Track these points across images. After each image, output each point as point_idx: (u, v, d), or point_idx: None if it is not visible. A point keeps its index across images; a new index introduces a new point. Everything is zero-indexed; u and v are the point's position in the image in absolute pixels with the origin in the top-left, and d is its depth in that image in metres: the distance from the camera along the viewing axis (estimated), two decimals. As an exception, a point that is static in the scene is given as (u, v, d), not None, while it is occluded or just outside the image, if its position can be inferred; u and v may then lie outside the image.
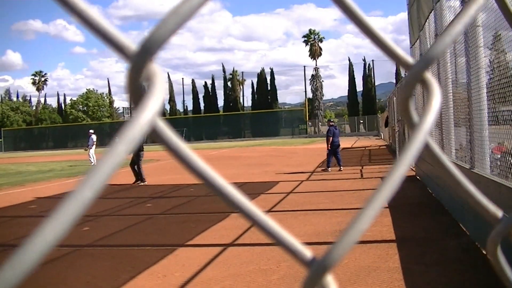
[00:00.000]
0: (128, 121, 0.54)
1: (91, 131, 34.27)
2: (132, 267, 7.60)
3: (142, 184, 19.95)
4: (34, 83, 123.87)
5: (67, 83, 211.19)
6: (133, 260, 8.15)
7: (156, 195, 16.55)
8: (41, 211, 14.11)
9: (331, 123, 23.19)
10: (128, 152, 0.52)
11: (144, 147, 20.25)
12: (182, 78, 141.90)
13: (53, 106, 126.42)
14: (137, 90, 0.58)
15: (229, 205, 0.61)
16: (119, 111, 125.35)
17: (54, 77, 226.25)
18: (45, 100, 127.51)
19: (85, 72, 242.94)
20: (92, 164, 32.28)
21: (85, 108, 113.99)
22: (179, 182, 19.48)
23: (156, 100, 0.55)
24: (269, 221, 0.60)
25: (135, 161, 20.29)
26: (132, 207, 14.37)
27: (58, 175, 26.54)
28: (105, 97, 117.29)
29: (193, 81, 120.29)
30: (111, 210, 13.64)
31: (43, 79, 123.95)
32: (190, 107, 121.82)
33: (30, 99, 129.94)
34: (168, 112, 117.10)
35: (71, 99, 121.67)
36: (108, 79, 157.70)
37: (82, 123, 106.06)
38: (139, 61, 0.56)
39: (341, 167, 22.05)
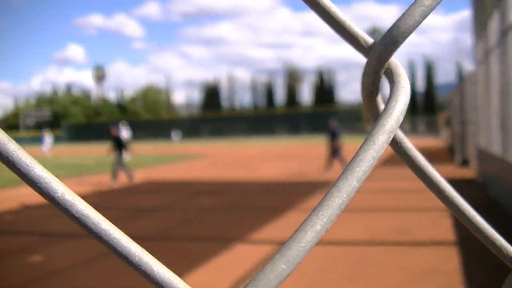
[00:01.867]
0: (383, 113, 0.53)
1: (122, 125, 34.71)
2: (191, 262, 7.67)
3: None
4: (94, 77, 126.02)
5: (127, 77, 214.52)
6: (191, 255, 8.23)
7: (214, 190, 16.63)
8: (99, 203, 14.38)
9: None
10: (388, 143, 0.52)
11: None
12: (242, 74, 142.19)
13: (113, 100, 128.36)
14: (376, 82, 0.58)
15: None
16: (178, 106, 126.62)
17: (114, 71, 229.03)
18: (105, 94, 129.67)
19: (144, 66, 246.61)
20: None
21: (144, 102, 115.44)
22: (237, 178, 19.62)
23: (405, 91, 0.55)
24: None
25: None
26: (189, 201, 14.50)
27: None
28: (165, 92, 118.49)
29: (253, 77, 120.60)
30: (167, 203, 13.82)
31: (103, 73, 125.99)
32: (249, 103, 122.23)
33: (90, 92, 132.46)
34: (228, 107, 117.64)
35: (130, 94, 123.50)
36: (168, 74, 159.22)
37: (140, 117, 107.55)
38: (383, 53, 0.56)
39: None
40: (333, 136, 20.95)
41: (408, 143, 0.63)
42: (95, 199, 15.21)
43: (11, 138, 0.47)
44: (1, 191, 18.19)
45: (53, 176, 0.52)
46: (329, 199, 0.50)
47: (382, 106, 0.61)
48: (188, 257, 7.99)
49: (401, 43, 0.55)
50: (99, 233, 0.48)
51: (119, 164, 18.13)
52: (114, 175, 18.18)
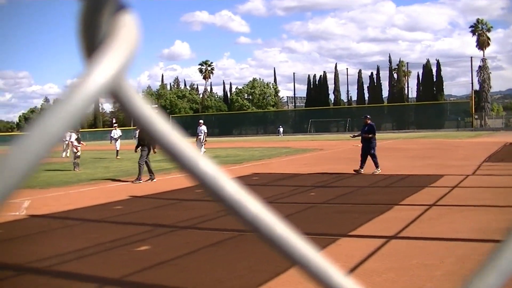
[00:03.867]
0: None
1: (201, 121, 34.97)
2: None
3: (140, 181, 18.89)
4: (201, 71, 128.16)
5: (232, 72, 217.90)
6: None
7: (319, 184, 16.61)
8: (204, 196, 14.64)
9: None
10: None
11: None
12: (347, 68, 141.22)
13: (219, 94, 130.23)
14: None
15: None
16: (283, 100, 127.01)
17: (220, 66, 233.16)
18: (211, 89, 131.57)
19: (249, 62, 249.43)
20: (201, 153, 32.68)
21: (250, 96, 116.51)
22: (342, 172, 19.52)
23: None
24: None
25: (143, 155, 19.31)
26: (295, 195, 14.54)
27: (223, 162, 27.25)
28: (271, 86, 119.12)
29: (359, 71, 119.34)
30: (273, 197, 13.88)
31: (209, 68, 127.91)
32: (354, 97, 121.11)
33: (197, 87, 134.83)
34: (333, 102, 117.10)
35: (236, 88, 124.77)
36: (274, 68, 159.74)
37: (247, 111, 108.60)
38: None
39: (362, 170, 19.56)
40: (368, 133, 19.72)
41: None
42: (203, 192, 15.50)
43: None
44: (111, 183, 18.85)
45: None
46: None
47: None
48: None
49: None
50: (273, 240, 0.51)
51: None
52: None
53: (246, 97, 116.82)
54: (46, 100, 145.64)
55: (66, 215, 12.09)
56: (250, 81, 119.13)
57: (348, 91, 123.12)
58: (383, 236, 8.70)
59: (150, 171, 19.24)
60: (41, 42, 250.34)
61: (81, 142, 25.79)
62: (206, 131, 33.74)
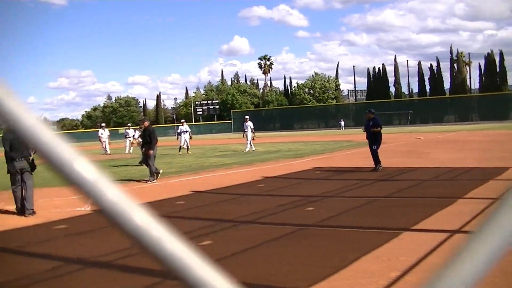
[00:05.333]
0: None
1: (247, 117, 35.01)
2: (356, 249, 7.62)
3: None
4: (260, 66, 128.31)
5: (292, 66, 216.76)
6: (357, 242, 8.16)
7: (382, 177, 16.41)
8: (268, 190, 14.67)
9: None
10: None
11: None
12: (407, 60, 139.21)
13: (279, 89, 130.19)
14: None
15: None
16: (344, 94, 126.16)
17: (279, 60, 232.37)
18: (271, 83, 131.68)
19: (309, 56, 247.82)
20: (248, 150, 33.05)
21: (311, 90, 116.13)
22: (405, 166, 19.26)
23: None
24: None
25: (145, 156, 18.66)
26: (357, 189, 14.39)
27: (284, 156, 27.30)
28: (332, 80, 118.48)
29: (419, 63, 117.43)
30: (335, 191, 13.81)
31: (268, 62, 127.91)
32: (415, 89, 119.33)
33: (257, 82, 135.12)
34: (394, 94, 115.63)
35: (297, 82, 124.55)
36: (338, 62, 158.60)
37: (307, 105, 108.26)
38: None
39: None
40: (374, 127, 18.74)
41: None
42: (265, 187, 15.53)
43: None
44: (175, 177, 19.03)
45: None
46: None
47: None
48: (354, 245, 7.93)
49: None
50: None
51: None
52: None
53: (307, 91, 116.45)
54: (109, 97, 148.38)
55: (129, 210, 12.26)
56: (312, 75, 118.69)
57: (408, 83, 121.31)
58: (447, 230, 8.54)
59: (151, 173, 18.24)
60: (103, 41, 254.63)
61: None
62: (252, 126, 33.76)
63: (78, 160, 0.48)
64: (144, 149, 18.64)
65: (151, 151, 17.83)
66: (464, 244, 0.50)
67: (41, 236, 9.83)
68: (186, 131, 35.04)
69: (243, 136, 34.02)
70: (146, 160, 18.34)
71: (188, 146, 34.19)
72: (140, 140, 25.12)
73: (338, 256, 7.29)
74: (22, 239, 9.64)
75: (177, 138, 37.74)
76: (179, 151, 34.11)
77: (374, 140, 18.63)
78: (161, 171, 18.35)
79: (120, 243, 8.65)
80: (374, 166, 18.31)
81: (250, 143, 33.12)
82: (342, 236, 8.73)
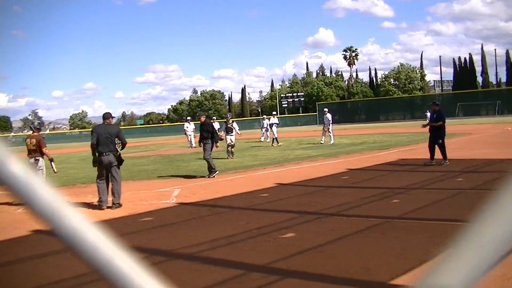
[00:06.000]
0: None
1: (326, 109, 34.63)
2: (440, 243, 7.49)
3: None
4: (345, 58, 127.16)
5: (377, 58, 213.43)
6: (446, 235, 8.01)
7: (468, 169, 16.04)
8: (352, 182, 14.60)
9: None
10: None
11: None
12: (495, 49, 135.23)
13: (365, 80, 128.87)
14: None
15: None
16: (430, 84, 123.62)
17: (365, 52, 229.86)
18: (356, 75, 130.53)
19: (394, 46, 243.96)
20: (332, 142, 32.75)
21: (396, 81, 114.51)
22: (492, 157, 18.73)
23: None
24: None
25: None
26: (442, 181, 14.11)
27: (370, 148, 27.06)
28: (417, 71, 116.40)
29: (507, 52, 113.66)
30: (421, 183, 13.60)
31: (354, 54, 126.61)
32: (503, 79, 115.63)
33: (342, 74, 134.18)
34: (481, 84, 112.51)
35: (382, 74, 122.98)
36: (422, 52, 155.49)
37: (393, 97, 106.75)
38: None
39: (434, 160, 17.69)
40: (437, 121, 17.87)
41: None
42: (349, 179, 15.46)
43: None
44: (259, 170, 19.16)
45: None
46: None
47: None
48: (438, 239, 7.80)
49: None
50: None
51: None
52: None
53: (392, 82, 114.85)
54: (194, 91, 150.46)
55: (214, 203, 12.46)
56: (397, 66, 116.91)
57: (496, 72, 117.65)
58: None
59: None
60: (189, 36, 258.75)
61: (237, 132, 26.41)
62: (330, 119, 33.55)
63: (12, 162, 0.49)
64: (201, 144, 18.57)
65: (210, 145, 18.08)
66: (461, 237, 0.49)
67: (126, 228, 10.09)
68: (274, 124, 35.30)
69: (323, 129, 33.96)
70: (207, 155, 18.04)
71: (275, 139, 34.43)
72: (224, 133, 25.56)
73: (422, 249, 7.20)
74: (108, 231, 9.89)
75: (265, 130, 37.85)
76: (275, 142, 34.43)
77: (437, 134, 17.79)
78: (217, 172, 18.08)
79: (204, 236, 8.83)
80: (430, 159, 17.73)
81: (331, 135, 33.00)
82: (429, 229, 8.59)
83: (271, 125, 35.93)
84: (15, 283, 6.92)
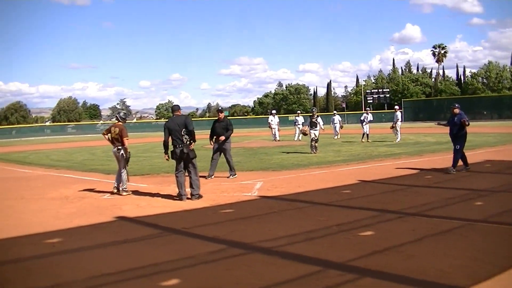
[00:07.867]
0: None
1: (397, 107, 35.21)
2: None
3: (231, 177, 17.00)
4: (434, 55, 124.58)
5: (465, 55, 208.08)
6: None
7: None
8: (436, 182, 14.36)
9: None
10: None
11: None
12: None
13: (452, 78, 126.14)
14: None
15: None
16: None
17: (452, 49, 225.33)
18: (443, 72, 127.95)
19: (483, 44, 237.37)
20: (398, 140, 32.74)
21: (485, 80, 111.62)
22: None
23: None
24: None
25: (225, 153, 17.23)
26: (530, 184, 13.75)
27: (454, 147, 26.51)
28: (508, 69, 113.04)
29: None
30: (506, 186, 13.29)
31: (443, 51, 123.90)
32: None
33: (427, 71, 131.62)
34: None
35: (470, 71, 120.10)
36: (508, 49, 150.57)
37: (480, 95, 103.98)
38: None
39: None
40: (456, 125, 16.68)
41: None
42: (432, 178, 15.23)
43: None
44: (342, 166, 19.09)
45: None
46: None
47: None
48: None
49: None
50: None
51: None
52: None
53: (480, 80, 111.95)
54: (279, 84, 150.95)
55: (295, 197, 12.52)
56: (486, 64, 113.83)
57: None
58: None
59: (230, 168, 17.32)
60: (275, 29, 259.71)
61: (321, 127, 26.37)
62: (399, 117, 33.85)
63: None
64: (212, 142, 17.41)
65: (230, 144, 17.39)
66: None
67: (207, 219, 10.30)
68: (370, 121, 35.19)
69: (392, 127, 33.97)
70: (225, 154, 17.21)
71: (367, 135, 34.43)
72: (309, 127, 25.62)
73: (502, 254, 7.05)
74: (188, 221, 10.09)
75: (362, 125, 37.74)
76: (367, 138, 34.63)
77: (457, 138, 16.70)
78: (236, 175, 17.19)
79: (283, 231, 8.91)
80: (452, 165, 16.44)
81: (398, 133, 33.49)
82: (509, 234, 8.41)
83: (362, 121, 35.67)
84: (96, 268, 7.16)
